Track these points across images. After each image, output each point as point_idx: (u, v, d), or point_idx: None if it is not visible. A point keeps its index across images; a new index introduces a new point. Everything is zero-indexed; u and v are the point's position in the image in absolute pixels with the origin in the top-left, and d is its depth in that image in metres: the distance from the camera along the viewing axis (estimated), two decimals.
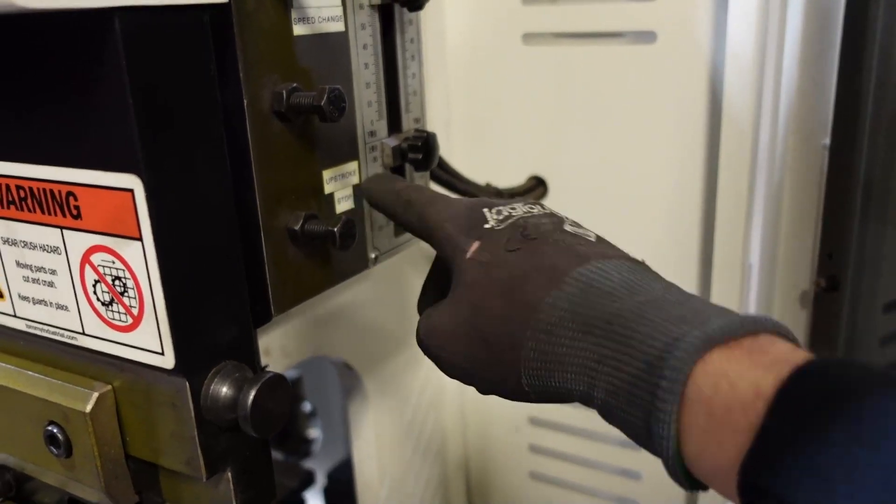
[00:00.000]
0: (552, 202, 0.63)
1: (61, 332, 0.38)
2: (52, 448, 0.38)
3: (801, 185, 0.55)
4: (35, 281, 0.38)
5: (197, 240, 0.34)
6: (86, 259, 0.35)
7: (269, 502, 0.40)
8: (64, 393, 0.37)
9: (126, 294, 0.34)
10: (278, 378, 0.35)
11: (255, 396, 0.34)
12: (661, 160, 0.56)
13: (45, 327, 0.38)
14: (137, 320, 0.34)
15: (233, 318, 0.37)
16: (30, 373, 0.39)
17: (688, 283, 0.58)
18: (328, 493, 0.92)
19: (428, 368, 0.67)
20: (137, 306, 0.34)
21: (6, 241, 0.38)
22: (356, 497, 0.65)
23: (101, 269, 0.35)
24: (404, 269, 0.60)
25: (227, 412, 0.35)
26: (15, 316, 0.40)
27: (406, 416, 0.66)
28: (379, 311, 0.58)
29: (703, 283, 0.58)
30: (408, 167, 0.51)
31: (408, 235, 0.52)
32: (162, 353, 0.34)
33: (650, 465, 0.63)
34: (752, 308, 0.55)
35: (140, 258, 0.33)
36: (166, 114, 0.32)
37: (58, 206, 0.35)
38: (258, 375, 0.35)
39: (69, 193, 0.34)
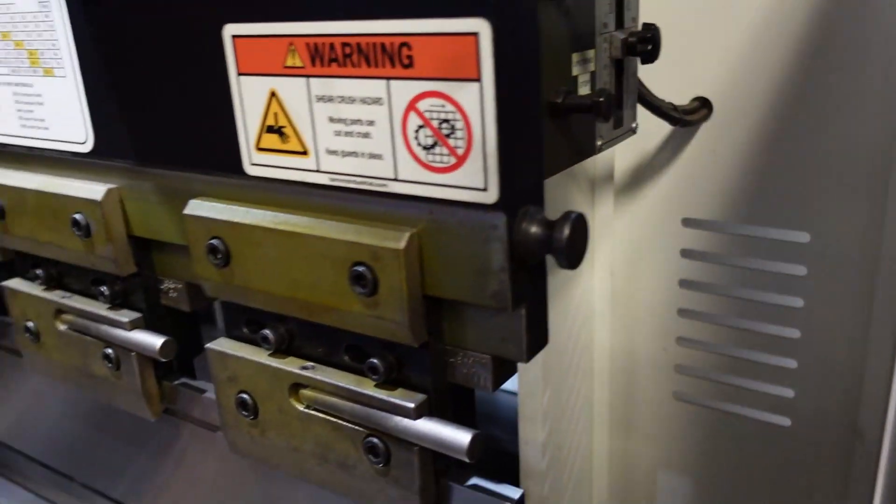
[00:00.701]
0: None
1: (371, 181, 0.42)
2: (356, 287, 0.43)
3: None
4: (348, 134, 0.42)
5: (523, 83, 0.38)
6: (411, 106, 0.39)
7: (544, 346, 0.44)
8: (373, 235, 0.42)
9: (453, 136, 0.38)
10: (583, 217, 0.39)
11: (570, 231, 0.38)
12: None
13: (352, 178, 0.42)
14: (462, 160, 0.38)
15: (536, 165, 0.40)
16: (331, 222, 0.44)
17: None
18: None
19: (583, 289, 0.71)
20: (464, 147, 0.38)
21: (320, 99, 0.42)
22: (519, 400, 0.68)
23: (427, 115, 0.38)
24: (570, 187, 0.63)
25: (537, 247, 0.39)
26: (318, 171, 0.44)
27: (564, 330, 0.69)
28: None
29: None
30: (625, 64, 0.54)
31: (623, 129, 0.55)
32: (484, 189, 0.38)
33: (801, 389, 0.66)
34: None
35: (475, 100, 0.37)
36: None
37: (387, 58, 0.39)
38: (567, 213, 0.39)
39: (402, 44, 0.38)
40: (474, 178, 0.38)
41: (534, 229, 0.39)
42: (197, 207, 0.49)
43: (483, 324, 0.43)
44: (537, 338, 0.43)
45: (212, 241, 0.48)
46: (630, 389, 0.79)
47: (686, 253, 0.69)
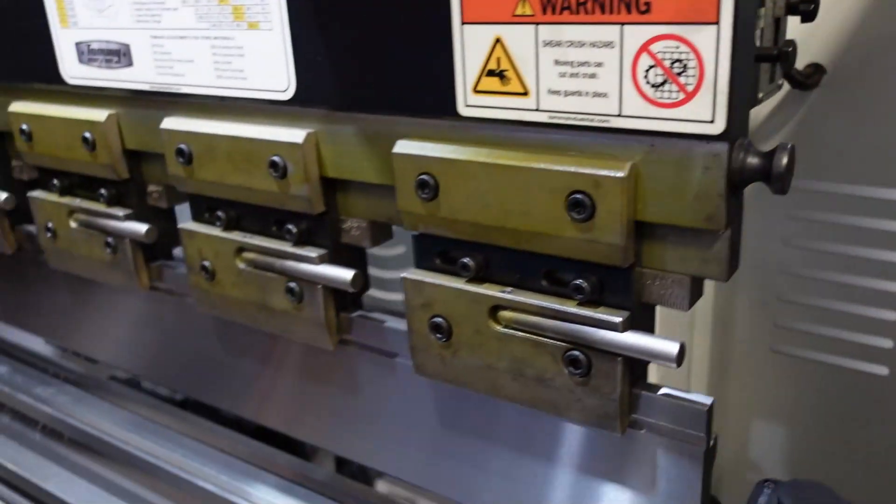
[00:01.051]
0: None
1: (592, 117, 0.47)
2: (573, 213, 0.48)
3: None
4: (573, 75, 0.47)
5: (747, 26, 0.43)
6: (643, 48, 0.44)
7: (737, 268, 0.49)
8: (594, 165, 0.47)
9: (684, 74, 0.43)
10: (794, 148, 0.44)
11: (788, 160, 0.43)
12: None
13: (573, 115, 0.48)
14: (690, 96, 0.43)
15: (750, 102, 0.45)
16: (548, 155, 0.49)
17: None
18: None
19: None
20: (694, 84, 0.43)
21: (548, 44, 0.47)
22: None
23: (659, 56, 0.43)
24: None
25: (753, 174, 0.44)
26: (537, 110, 0.49)
27: None
28: None
29: None
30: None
31: (773, 85, 0.60)
32: (711, 122, 0.43)
33: None
34: None
35: (712, 41, 0.42)
36: None
37: (623, 6, 0.44)
38: (783, 144, 0.44)
39: None
40: (702, 112, 0.43)
41: (751, 158, 0.44)
42: (406, 147, 0.54)
43: (686, 246, 0.48)
44: (734, 259, 0.48)
45: (421, 177, 0.53)
46: (728, 339, 0.84)
47: (790, 214, 0.73)
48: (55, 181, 0.82)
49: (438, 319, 0.57)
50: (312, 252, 0.64)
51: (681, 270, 0.49)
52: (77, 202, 0.81)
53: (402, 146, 0.55)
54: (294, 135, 0.60)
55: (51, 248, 0.86)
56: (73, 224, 0.82)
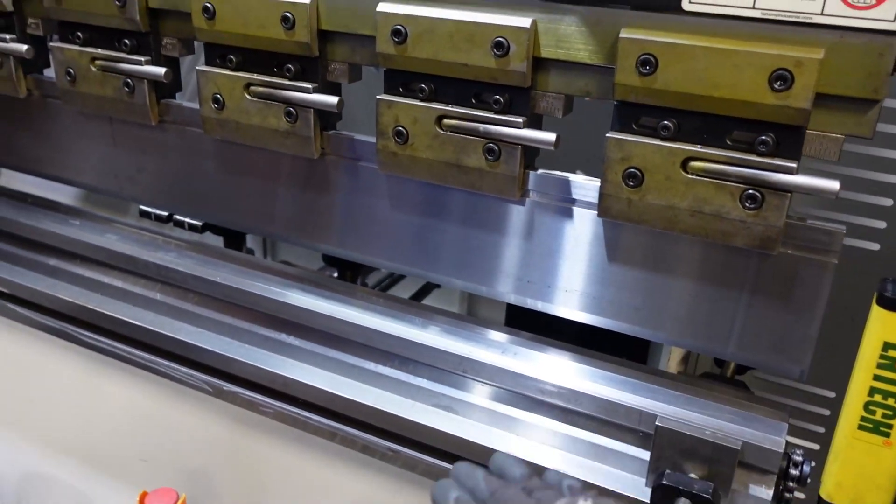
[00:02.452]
0: None
1: (798, 14, 0.65)
2: (775, 85, 0.67)
3: None
4: None
5: None
6: None
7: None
8: (796, 49, 0.66)
9: None
10: None
11: None
12: None
13: (783, 13, 0.66)
14: (880, 2, 0.62)
15: None
16: (757, 43, 0.67)
17: None
18: None
19: None
20: None
21: None
22: None
23: None
24: None
25: None
26: (753, 7, 0.67)
27: None
28: None
29: None
30: None
31: None
32: (892, 21, 0.63)
33: None
34: None
35: None
36: None
37: None
38: None
39: None
40: (887, 13, 0.63)
41: None
42: (631, 32, 0.71)
43: (842, 113, 0.68)
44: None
45: (644, 56, 0.70)
46: None
47: None
48: (230, 57, 0.92)
49: (633, 170, 0.75)
50: (518, 119, 0.79)
51: (839, 131, 0.69)
52: (253, 75, 0.92)
53: (628, 32, 0.71)
54: (521, 20, 0.75)
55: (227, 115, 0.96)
56: (255, 101, 0.93)
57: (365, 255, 1.00)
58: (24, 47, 1.07)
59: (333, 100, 0.88)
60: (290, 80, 0.90)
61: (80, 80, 1.04)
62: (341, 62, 0.89)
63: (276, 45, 0.88)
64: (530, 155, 0.83)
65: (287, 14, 0.85)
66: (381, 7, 0.81)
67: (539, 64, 0.78)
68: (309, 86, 0.89)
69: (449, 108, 0.82)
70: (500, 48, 0.76)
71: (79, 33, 1.02)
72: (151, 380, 1.09)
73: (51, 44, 1.05)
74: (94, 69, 1.02)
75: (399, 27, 0.80)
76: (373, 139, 0.89)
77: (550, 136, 0.78)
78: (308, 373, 0.97)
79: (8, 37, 1.08)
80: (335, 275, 1.36)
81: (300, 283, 1.03)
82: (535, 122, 0.81)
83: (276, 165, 1.00)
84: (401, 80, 0.84)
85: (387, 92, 0.86)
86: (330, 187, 0.97)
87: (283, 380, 0.97)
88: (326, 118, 0.92)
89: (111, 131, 1.11)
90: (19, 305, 1.19)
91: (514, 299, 0.92)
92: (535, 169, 0.84)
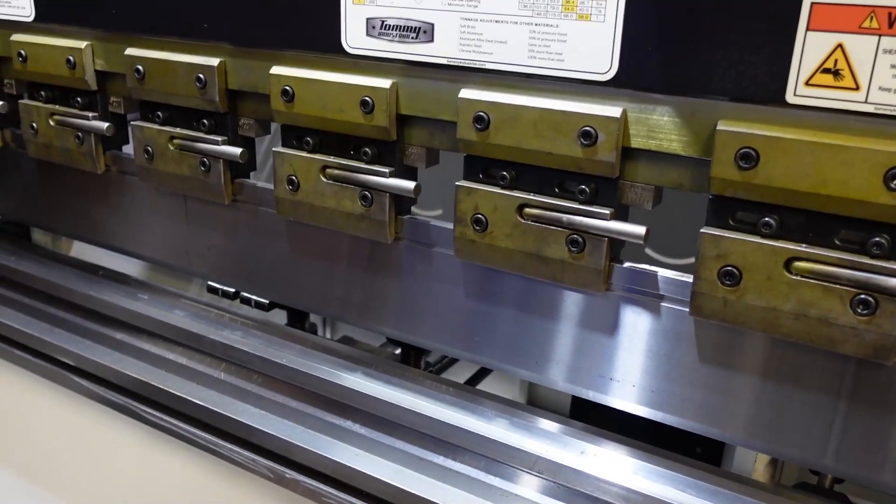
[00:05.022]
0: None
1: None
2: (891, 185, 0.62)
3: None
4: None
5: None
6: None
7: None
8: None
9: None
10: None
11: None
12: None
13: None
14: None
15: None
16: (869, 140, 0.62)
17: None
18: None
19: None
20: None
21: (887, 52, 0.61)
22: None
23: None
24: None
25: None
26: (865, 102, 0.63)
27: None
28: None
29: None
30: None
31: None
32: None
33: None
34: None
35: None
36: None
37: None
38: None
39: None
40: None
41: None
42: (729, 125, 0.67)
43: None
44: None
45: (744, 150, 0.66)
46: None
47: None
48: (307, 139, 0.92)
49: (730, 268, 0.70)
50: (605, 210, 0.76)
51: None
52: (330, 158, 0.91)
53: (726, 124, 0.67)
54: (611, 110, 0.72)
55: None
56: (331, 184, 0.92)
57: (432, 341, 0.96)
58: (105, 125, 1.09)
59: (410, 185, 0.86)
60: (367, 163, 0.89)
61: (158, 158, 1.05)
62: (419, 146, 0.88)
63: (353, 129, 0.87)
64: (616, 247, 0.79)
65: (366, 99, 0.84)
66: (464, 94, 0.79)
67: (628, 154, 0.75)
68: (385, 170, 0.87)
69: (531, 196, 0.79)
70: (588, 138, 0.73)
71: (159, 112, 1.03)
72: (211, 461, 1.06)
73: (131, 122, 1.07)
74: (171, 147, 1.03)
75: (482, 114, 0.78)
76: (449, 225, 0.86)
77: (640, 230, 0.74)
78: (373, 464, 0.93)
79: (90, 114, 1.10)
80: (398, 351, 1.33)
81: (365, 367, 1.00)
82: (622, 214, 0.77)
83: (346, 247, 0.98)
84: (481, 167, 0.82)
85: (466, 178, 0.83)
86: (402, 272, 0.95)
87: (347, 470, 0.93)
88: (402, 202, 0.90)
89: (185, 208, 1.11)
90: (84, 378, 1.18)
91: (591, 396, 0.87)
92: (621, 262, 0.80)
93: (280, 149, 0.94)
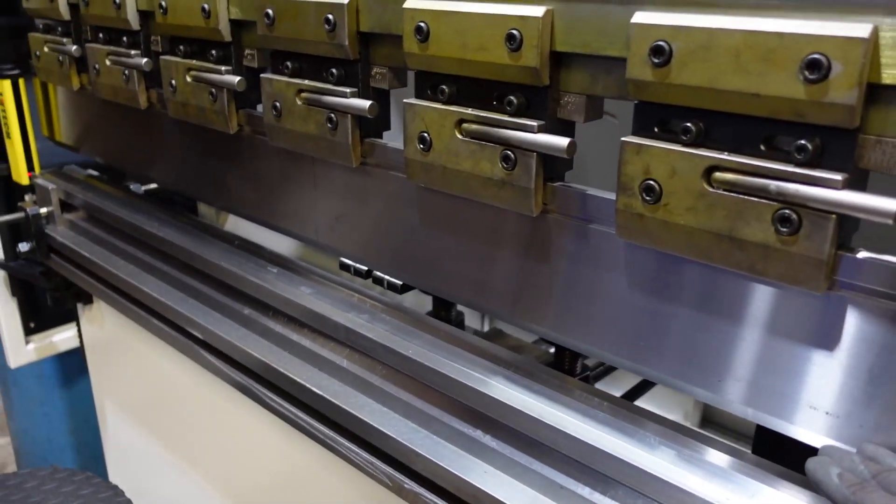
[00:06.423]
0: None
1: None
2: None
3: None
4: None
5: None
6: None
7: None
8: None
9: None
10: None
11: None
12: None
13: None
14: None
15: None
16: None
17: None
18: None
19: None
20: None
21: None
22: None
23: None
24: None
25: None
26: None
27: None
28: None
29: None
30: None
31: None
32: None
33: None
34: None
35: None
36: None
37: None
38: None
39: None
40: None
41: None
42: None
43: None
44: None
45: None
46: None
47: None
48: (443, 87, 0.76)
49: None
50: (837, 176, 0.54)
51: None
52: (468, 110, 0.74)
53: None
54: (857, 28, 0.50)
55: None
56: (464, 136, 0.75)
57: (587, 344, 0.77)
58: (237, 79, 0.99)
59: (563, 142, 0.67)
60: (511, 115, 0.71)
61: (286, 115, 0.93)
62: (577, 94, 0.69)
63: (497, 73, 0.70)
64: (846, 229, 0.57)
65: (514, 32, 0.67)
66: (639, 17, 0.59)
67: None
68: (534, 123, 0.69)
69: (725, 156, 0.58)
70: (816, 68, 0.51)
71: (288, 63, 0.92)
72: (328, 457, 0.94)
73: (262, 75, 0.96)
74: (299, 102, 0.91)
75: (662, 44, 0.58)
76: (611, 195, 0.67)
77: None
78: (505, 486, 0.77)
79: (223, 68, 1.01)
80: (552, 350, 1.14)
81: (507, 370, 0.83)
82: (859, 183, 0.55)
83: (489, 222, 0.81)
84: (657, 117, 0.62)
85: (635, 133, 0.63)
86: (550, 255, 0.76)
87: (473, 490, 0.78)
88: (553, 165, 0.72)
89: (313, 173, 0.99)
90: (210, 353, 1.11)
91: (783, 427, 0.65)
92: (852, 250, 0.57)
93: (411, 100, 0.79)
